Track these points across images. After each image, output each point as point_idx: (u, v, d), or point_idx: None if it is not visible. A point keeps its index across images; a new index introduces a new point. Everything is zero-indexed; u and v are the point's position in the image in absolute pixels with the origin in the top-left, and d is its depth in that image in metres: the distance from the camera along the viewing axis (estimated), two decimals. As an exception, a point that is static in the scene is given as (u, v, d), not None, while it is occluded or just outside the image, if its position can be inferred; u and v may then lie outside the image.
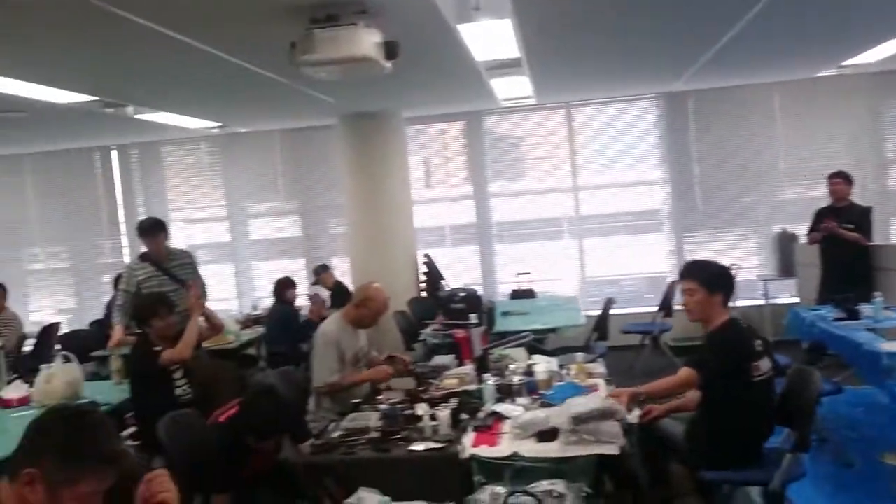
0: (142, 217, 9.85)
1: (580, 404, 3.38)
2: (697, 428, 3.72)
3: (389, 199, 8.55)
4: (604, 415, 3.31)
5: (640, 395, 3.77)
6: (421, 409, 3.79)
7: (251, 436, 3.32)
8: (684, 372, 3.66)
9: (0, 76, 5.24)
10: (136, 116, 7.26)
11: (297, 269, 9.26)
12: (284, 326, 7.20)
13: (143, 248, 5.66)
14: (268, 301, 8.09)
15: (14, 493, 1.78)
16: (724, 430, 3.55)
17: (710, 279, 3.73)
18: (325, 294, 8.18)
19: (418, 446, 3.45)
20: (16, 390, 4.86)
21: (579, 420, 3.27)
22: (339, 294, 7.90)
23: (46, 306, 10.24)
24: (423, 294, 8.59)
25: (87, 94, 6.15)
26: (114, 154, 9.88)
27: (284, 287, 7.48)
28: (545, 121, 9.40)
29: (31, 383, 4.88)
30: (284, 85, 6.13)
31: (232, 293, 9.84)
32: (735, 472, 3.60)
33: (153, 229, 5.54)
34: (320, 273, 8.51)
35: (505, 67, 6.24)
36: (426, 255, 8.76)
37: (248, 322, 7.89)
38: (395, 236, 8.56)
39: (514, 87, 7.34)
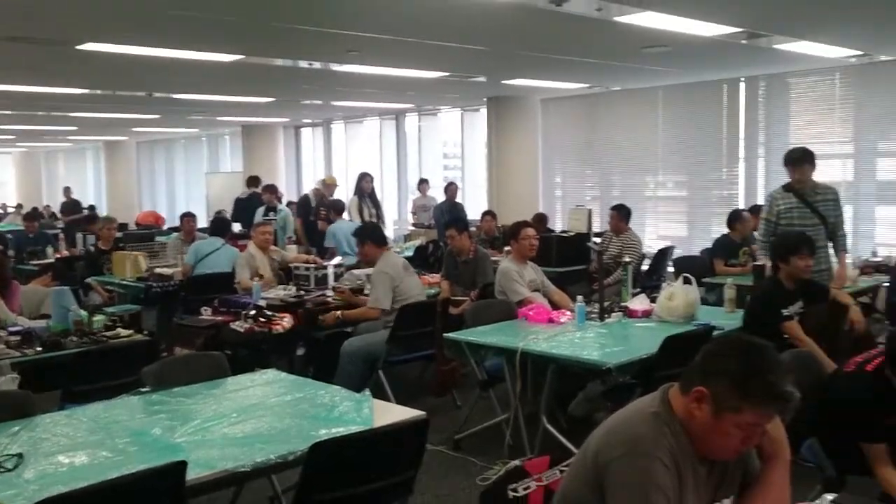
0: (760, 151, 9.82)
1: None
2: None
3: None
4: None
5: None
6: None
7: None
8: None
9: (651, 10, 5.58)
10: (775, 46, 7.07)
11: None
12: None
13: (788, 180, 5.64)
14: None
15: (682, 402, 1.92)
16: None
17: None
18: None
19: None
20: (640, 303, 5.32)
21: None
22: None
23: (660, 231, 10.98)
24: None
25: (732, 25, 6.19)
26: (741, 86, 9.85)
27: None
28: None
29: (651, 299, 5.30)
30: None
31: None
32: None
33: (801, 159, 5.56)
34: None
35: None
36: None
37: (868, 269, 7.26)
38: None
39: None
